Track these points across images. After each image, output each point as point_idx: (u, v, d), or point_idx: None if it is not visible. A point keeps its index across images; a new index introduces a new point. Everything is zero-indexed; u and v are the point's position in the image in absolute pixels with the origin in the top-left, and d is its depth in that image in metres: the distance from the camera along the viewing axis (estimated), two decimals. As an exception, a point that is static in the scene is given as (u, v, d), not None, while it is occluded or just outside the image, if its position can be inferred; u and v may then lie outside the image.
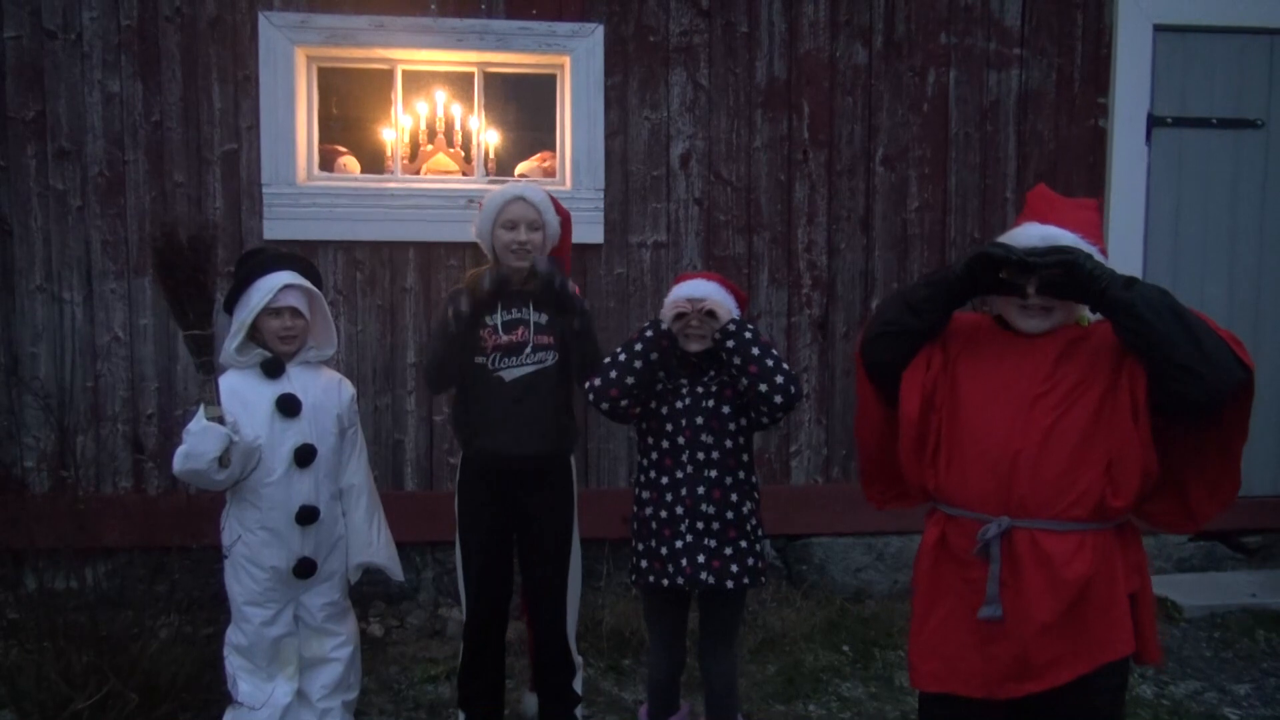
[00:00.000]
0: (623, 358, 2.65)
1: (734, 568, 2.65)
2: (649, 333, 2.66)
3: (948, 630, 2.04)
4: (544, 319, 2.85)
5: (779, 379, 2.57)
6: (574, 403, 2.98)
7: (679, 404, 2.69)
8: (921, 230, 4.46)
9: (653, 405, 2.73)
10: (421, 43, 4.18)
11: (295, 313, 2.79)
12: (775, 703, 3.48)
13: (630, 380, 2.63)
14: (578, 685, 3.04)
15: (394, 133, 4.44)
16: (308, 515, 2.77)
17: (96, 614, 2.94)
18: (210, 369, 2.65)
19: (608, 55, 4.24)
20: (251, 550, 2.76)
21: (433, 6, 4.17)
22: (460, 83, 4.60)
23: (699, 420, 2.67)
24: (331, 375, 2.96)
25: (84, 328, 4.06)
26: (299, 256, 2.99)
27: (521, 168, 4.66)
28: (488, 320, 2.84)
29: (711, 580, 2.64)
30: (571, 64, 4.23)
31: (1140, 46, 4.48)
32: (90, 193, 4.04)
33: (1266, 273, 4.63)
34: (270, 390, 2.77)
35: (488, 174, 4.45)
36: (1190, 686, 3.63)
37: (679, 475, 2.67)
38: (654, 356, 2.65)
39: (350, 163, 4.59)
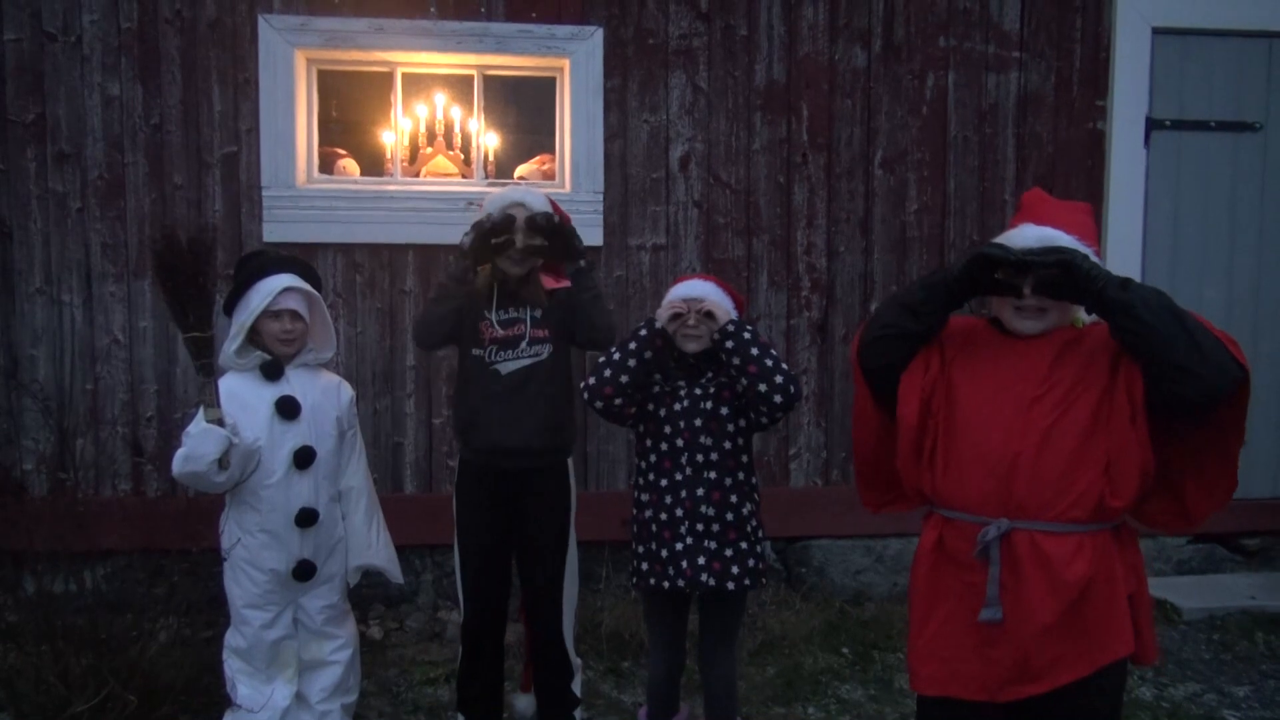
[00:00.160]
0: (617, 357, 2.65)
1: (735, 569, 2.65)
2: (643, 332, 2.66)
3: (947, 633, 2.04)
4: (539, 314, 2.87)
5: (778, 379, 2.57)
6: (573, 401, 2.98)
7: (677, 406, 2.69)
8: (920, 233, 4.47)
9: (650, 407, 2.73)
10: (421, 45, 4.18)
11: (295, 315, 2.79)
12: (774, 705, 3.48)
13: (625, 379, 2.63)
14: (577, 687, 3.04)
15: (393, 135, 4.44)
16: (307, 518, 2.77)
17: (95, 617, 2.93)
18: (210, 371, 2.65)
19: (607, 58, 4.24)
20: (251, 553, 2.76)
21: (432, 9, 4.18)
22: (460, 85, 4.60)
23: (697, 422, 2.67)
24: (331, 378, 2.97)
25: (83, 330, 4.06)
26: (299, 259, 2.99)
27: (521, 170, 4.67)
28: (485, 314, 2.85)
29: (712, 582, 2.64)
30: (571, 67, 4.24)
31: (1139, 49, 4.48)
32: (90, 195, 4.04)
33: (1265, 275, 4.64)
34: (269, 393, 2.77)
35: (487, 176, 4.45)
36: (1189, 689, 3.63)
37: (678, 477, 2.67)
38: (648, 355, 2.65)
39: (350, 165, 4.60)
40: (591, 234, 4.20)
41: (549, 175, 4.50)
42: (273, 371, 2.79)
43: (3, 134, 3.99)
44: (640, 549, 2.73)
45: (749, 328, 2.65)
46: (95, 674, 2.78)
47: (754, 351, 2.58)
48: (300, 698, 2.87)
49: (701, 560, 2.64)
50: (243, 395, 2.74)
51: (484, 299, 2.86)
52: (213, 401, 2.61)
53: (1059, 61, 4.49)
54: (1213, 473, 1.96)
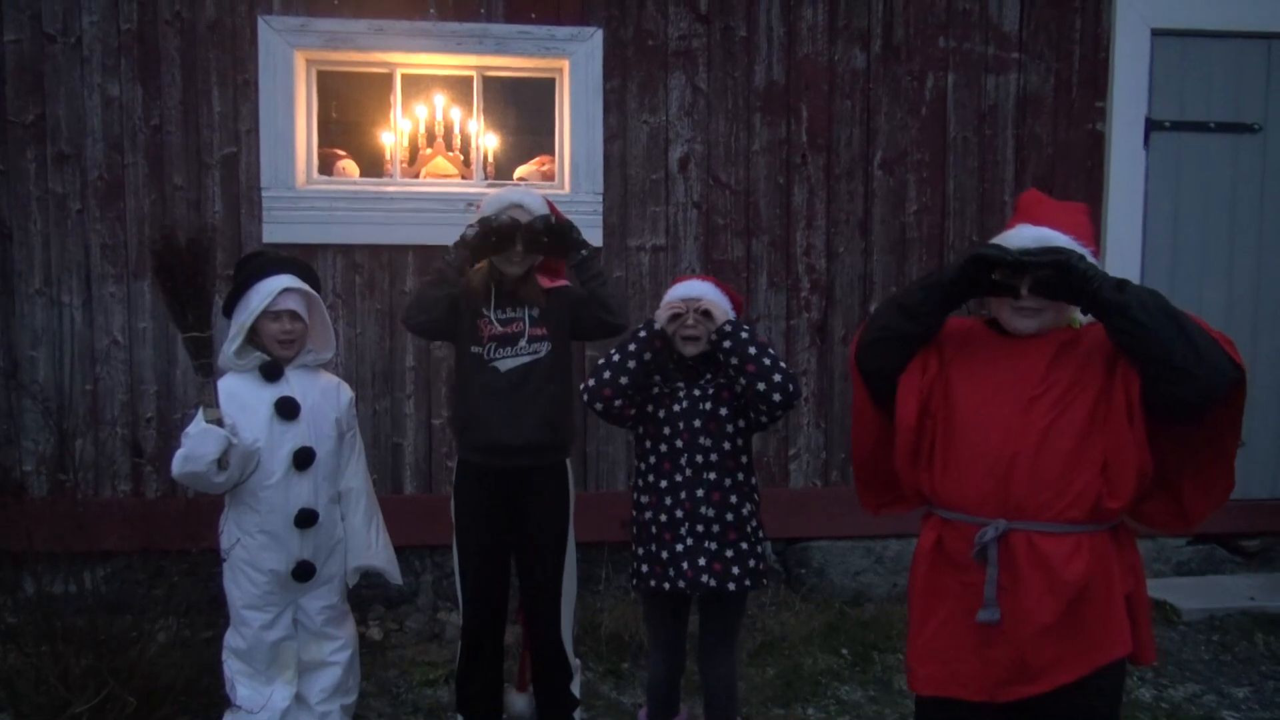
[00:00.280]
0: (616, 358, 2.65)
1: (735, 570, 2.66)
2: (642, 333, 2.67)
3: (946, 634, 2.04)
4: (537, 313, 2.87)
5: (777, 377, 2.57)
6: (572, 401, 2.98)
7: (676, 407, 2.69)
8: (920, 234, 4.47)
9: (649, 409, 2.73)
10: (420, 46, 4.19)
11: (294, 316, 2.79)
12: (774, 706, 3.48)
13: (624, 380, 2.63)
14: (575, 688, 3.04)
15: (393, 136, 4.45)
16: (306, 518, 2.77)
17: (95, 618, 2.93)
18: (209, 371, 2.66)
19: (606, 59, 4.24)
20: (250, 553, 2.76)
21: (432, 10, 4.18)
22: (459, 86, 4.60)
23: (696, 423, 2.68)
24: (330, 379, 2.97)
25: (83, 331, 4.06)
26: (298, 260, 2.99)
27: (520, 171, 4.67)
28: (484, 312, 2.86)
29: (713, 583, 2.64)
30: (570, 68, 4.24)
31: (1138, 51, 4.49)
32: (90, 196, 4.04)
33: (1264, 276, 4.64)
34: (269, 393, 2.77)
35: (487, 177, 4.46)
36: (1189, 689, 3.63)
37: (678, 479, 2.67)
38: (647, 356, 2.65)
39: (349, 166, 4.60)
40: (591, 235, 4.17)
41: (548, 176, 4.51)
42: (272, 372, 2.79)
43: (3, 135, 3.99)
44: (640, 551, 2.73)
45: (746, 327, 2.65)
46: (95, 675, 2.78)
47: (752, 351, 2.59)
48: (300, 699, 2.88)
49: (702, 561, 2.64)
50: (242, 396, 2.74)
51: (482, 298, 2.87)
52: (212, 402, 2.62)
53: (1058, 63, 4.49)
54: (1210, 473, 1.97)
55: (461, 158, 4.70)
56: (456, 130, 4.76)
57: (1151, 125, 4.53)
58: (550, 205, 2.95)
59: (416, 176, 4.56)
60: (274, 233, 4.09)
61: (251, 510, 2.75)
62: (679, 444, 2.68)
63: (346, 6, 4.13)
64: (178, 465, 2.61)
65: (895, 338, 2.09)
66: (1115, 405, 1.91)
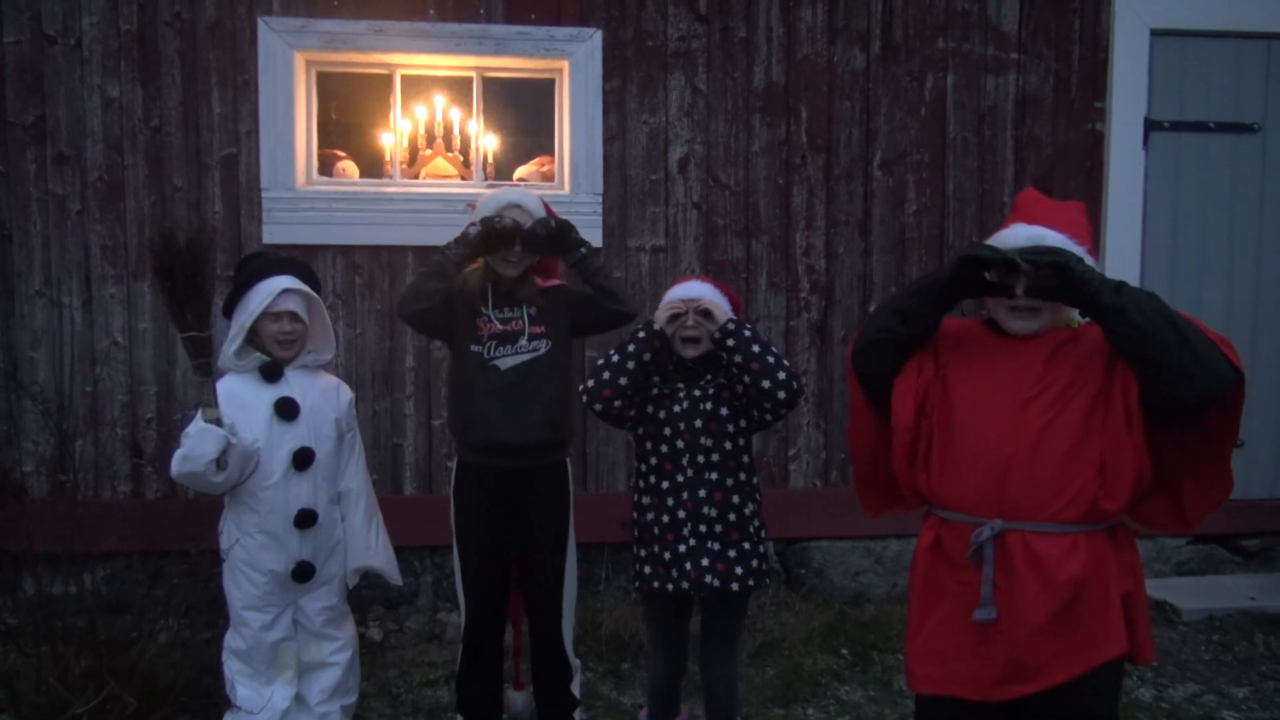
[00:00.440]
0: (616, 359, 2.65)
1: (739, 570, 2.66)
2: (641, 334, 2.67)
3: (944, 633, 2.05)
4: (535, 312, 2.88)
5: (781, 375, 2.58)
6: (571, 400, 2.99)
7: (677, 408, 2.69)
8: (919, 234, 4.47)
9: (650, 410, 2.73)
10: (420, 47, 4.19)
11: (294, 317, 2.79)
12: (774, 707, 3.48)
13: (624, 381, 2.63)
14: (575, 688, 3.05)
15: (393, 137, 4.45)
16: (306, 519, 2.77)
17: (95, 618, 2.93)
18: (208, 371, 2.66)
19: (606, 60, 4.25)
20: (249, 554, 2.76)
21: (431, 11, 4.18)
22: (459, 87, 4.61)
23: (698, 423, 2.68)
24: (330, 379, 2.97)
25: (83, 332, 4.07)
26: (298, 261, 3.00)
27: (520, 172, 4.67)
28: (483, 311, 2.86)
29: (717, 583, 2.64)
30: (570, 69, 4.24)
31: (1137, 51, 4.49)
32: (89, 197, 4.05)
33: (1264, 276, 4.64)
34: (269, 394, 2.77)
35: (486, 178, 4.46)
36: (1189, 689, 3.63)
37: (679, 479, 2.67)
38: (647, 357, 2.65)
39: (349, 167, 4.60)
40: (591, 235, 4.17)
41: (548, 177, 4.51)
42: (272, 373, 2.79)
43: (3, 136, 4.00)
44: (642, 552, 2.73)
45: (749, 326, 2.66)
46: (95, 675, 2.78)
47: (755, 349, 2.59)
48: (300, 699, 2.88)
49: (705, 561, 2.64)
50: (242, 396, 2.75)
51: (479, 298, 2.87)
52: (211, 401, 2.62)
53: (1057, 63, 4.49)
54: (1208, 474, 1.97)
55: (461, 159, 4.70)
56: (456, 131, 4.76)
57: (1151, 125, 4.53)
58: (546, 208, 2.96)
59: (416, 177, 4.56)
60: (274, 233, 4.09)
61: (251, 511, 2.75)
62: (680, 444, 2.68)
63: (346, 7, 4.13)
64: (176, 465, 2.61)
65: (890, 340, 2.09)
66: (1113, 407, 1.91)
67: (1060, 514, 1.92)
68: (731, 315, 2.68)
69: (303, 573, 2.79)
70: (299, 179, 4.16)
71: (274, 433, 2.75)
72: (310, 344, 2.89)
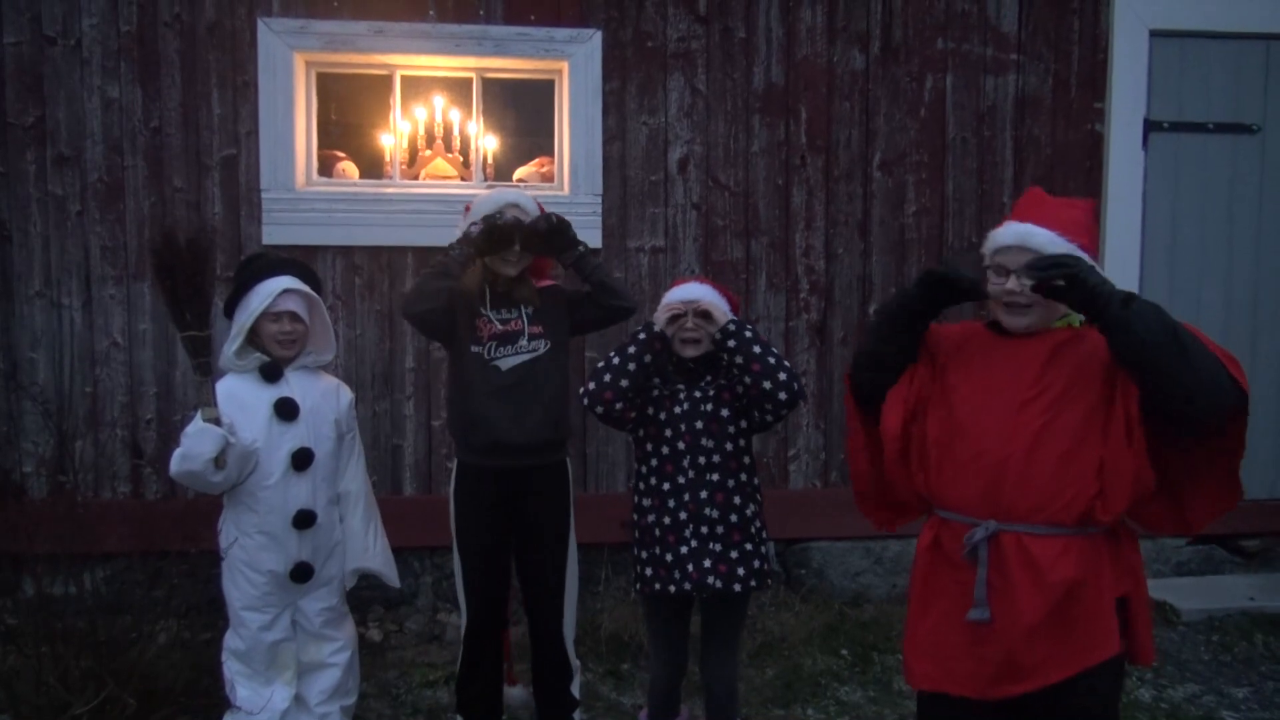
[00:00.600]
0: (616, 361, 2.65)
1: (740, 570, 2.65)
2: (642, 335, 2.67)
3: (941, 631, 2.05)
4: (532, 311, 2.89)
5: (782, 375, 2.58)
6: (570, 400, 2.99)
7: (677, 409, 2.69)
8: (919, 235, 4.47)
9: (650, 412, 2.73)
10: (420, 48, 4.19)
11: (294, 317, 2.80)
12: (774, 707, 3.48)
13: (624, 383, 2.63)
14: (575, 689, 3.05)
15: (392, 138, 4.45)
16: (305, 519, 2.77)
17: (95, 619, 2.93)
18: (207, 370, 2.66)
19: (606, 61, 4.25)
20: (249, 554, 2.76)
21: (431, 12, 4.19)
22: (459, 88, 4.61)
23: (698, 424, 2.67)
24: (330, 380, 2.97)
25: (83, 333, 4.07)
26: (298, 261, 3.00)
27: (520, 173, 4.67)
28: (482, 311, 2.87)
29: (719, 584, 2.63)
30: (570, 69, 4.24)
31: (1137, 52, 4.49)
32: (89, 198, 4.05)
33: (1263, 276, 4.64)
34: (268, 394, 2.77)
35: (486, 179, 4.46)
36: (1188, 690, 3.63)
37: (680, 481, 2.67)
38: (647, 359, 2.65)
39: (349, 168, 4.60)
40: (590, 236, 4.19)
41: (548, 178, 4.51)
42: (272, 373, 2.79)
43: (2, 137, 4.00)
44: (644, 554, 2.72)
45: (749, 327, 2.66)
46: (95, 676, 2.78)
47: (756, 350, 2.59)
48: (299, 700, 2.88)
49: (707, 563, 2.64)
50: (241, 396, 2.75)
51: (478, 299, 2.88)
52: (210, 401, 2.62)
53: (1057, 64, 4.50)
54: (1213, 484, 1.96)
55: (461, 159, 4.70)
56: (456, 132, 4.76)
57: (1150, 126, 4.53)
58: (540, 207, 2.97)
59: (416, 178, 4.56)
60: (274, 234, 4.09)
61: (250, 511, 2.75)
62: (681, 446, 2.68)
63: (346, 8, 4.14)
64: (175, 464, 2.61)
65: (875, 364, 2.14)
66: (1114, 414, 1.91)
67: (1054, 517, 1.93)
68: (731, 316, 2.68)
69: (301, 573, 2.79)
70: (299, 180, 4.16)
71: (273, 433, 2.75)
72: (310, 344, 2.89)
